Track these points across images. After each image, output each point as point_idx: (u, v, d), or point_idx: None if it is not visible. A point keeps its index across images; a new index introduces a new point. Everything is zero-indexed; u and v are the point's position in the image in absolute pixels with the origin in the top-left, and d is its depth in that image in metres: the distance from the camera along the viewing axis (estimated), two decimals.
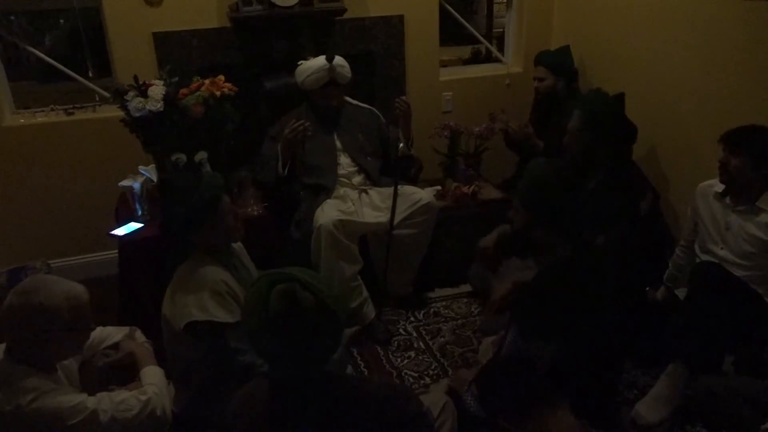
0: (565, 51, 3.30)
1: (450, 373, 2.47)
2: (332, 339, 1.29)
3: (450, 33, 4.21)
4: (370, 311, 2.76)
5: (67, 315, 1.50)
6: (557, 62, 3.21)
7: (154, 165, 2.59)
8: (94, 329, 1.65)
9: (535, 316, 1.73)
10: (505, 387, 1.79)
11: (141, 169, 2.63)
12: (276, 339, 1.23)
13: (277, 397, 1.33)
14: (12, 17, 4.18)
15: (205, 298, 1.80)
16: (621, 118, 2.64)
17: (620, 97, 2.72)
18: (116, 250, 2.50)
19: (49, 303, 1.48)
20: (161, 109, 2.35)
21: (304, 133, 2.66)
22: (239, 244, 2.09)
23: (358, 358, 2.63)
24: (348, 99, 3.01)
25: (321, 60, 2.77)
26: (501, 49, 4.01)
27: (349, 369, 2.51)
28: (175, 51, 3.03)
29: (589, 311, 1.73)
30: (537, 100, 3.33)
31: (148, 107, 2.34)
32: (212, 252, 1.92)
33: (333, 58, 2.76)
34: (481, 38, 4.17)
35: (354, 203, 2.81)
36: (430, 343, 2.73)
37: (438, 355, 2.65)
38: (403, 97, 2.91)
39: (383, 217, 2.76)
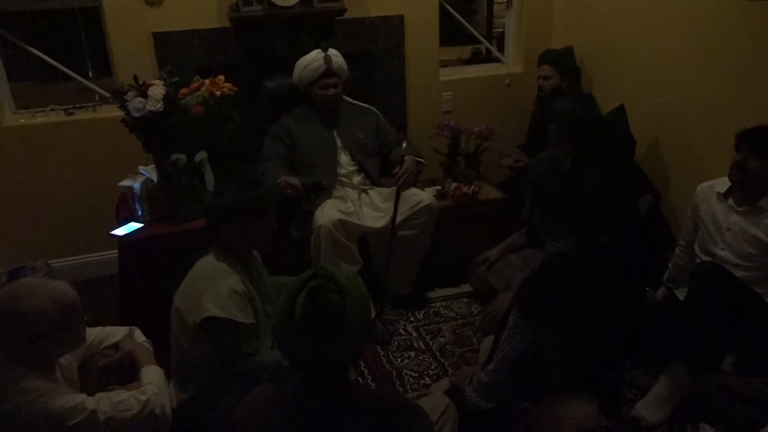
0: (568, 51, 3.32)
1: (450, 373, 2.47)
2: (352, 347, 1.26)
3: (450, 33, 4.20)
4: (371, 311, 2.77)
5: (57, 316, 1.49)
6: (563, 61, 3.22)
7: (154, 165, 2.60)
8: (87, 323, 1.63)
9: (538, 300, 1.75)
10: (537, 370, 1.80)
11: (141, 169, 2.63)
12: (298, 333, 1.22)
13: (292, 401, 1.32)
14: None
15: (223, 295, 1.79)
16: (595, 120, 2.55)
17: (589, 98, 2.67)
18: (116, 250, 2.50)
19: (35, 309, 1.46)
20: (161, 109, 2.35)
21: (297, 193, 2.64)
22: (257, 252, 2.09)
23: None
24: (347, 98, 3.01)
25: (316, 51, 2.83)
26: (501, 49, 4.01)
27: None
28: (175, 51, 3.04)
29: (593, 303, 1.74)
30: (540, 99, 3.33)
31: (148, 107, 2.34)
32: (233, 252, 1.92)
33: (327, 48, 2.81)
34: (481, 38, 4.18)
35: (354, 203, 2.81)
36: (430, 343, 2.73)
37: (438, 355, 2.65)
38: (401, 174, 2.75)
39: (383, 219, 2.76)
